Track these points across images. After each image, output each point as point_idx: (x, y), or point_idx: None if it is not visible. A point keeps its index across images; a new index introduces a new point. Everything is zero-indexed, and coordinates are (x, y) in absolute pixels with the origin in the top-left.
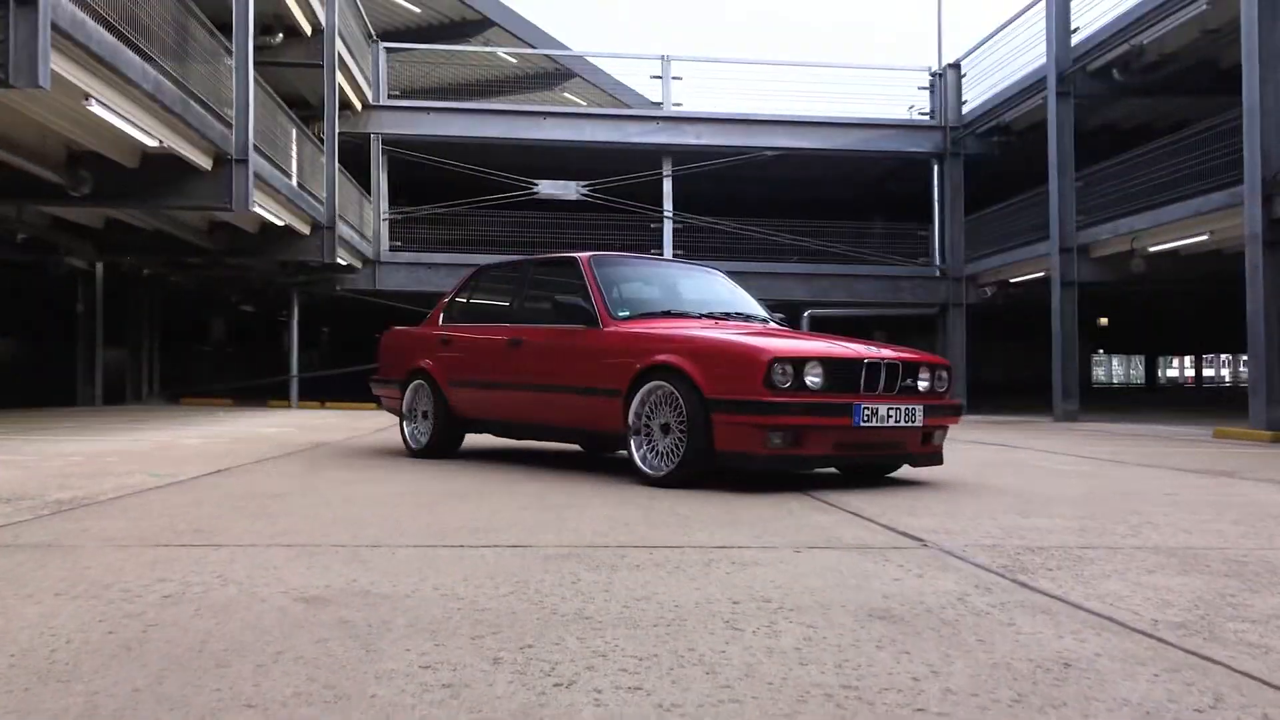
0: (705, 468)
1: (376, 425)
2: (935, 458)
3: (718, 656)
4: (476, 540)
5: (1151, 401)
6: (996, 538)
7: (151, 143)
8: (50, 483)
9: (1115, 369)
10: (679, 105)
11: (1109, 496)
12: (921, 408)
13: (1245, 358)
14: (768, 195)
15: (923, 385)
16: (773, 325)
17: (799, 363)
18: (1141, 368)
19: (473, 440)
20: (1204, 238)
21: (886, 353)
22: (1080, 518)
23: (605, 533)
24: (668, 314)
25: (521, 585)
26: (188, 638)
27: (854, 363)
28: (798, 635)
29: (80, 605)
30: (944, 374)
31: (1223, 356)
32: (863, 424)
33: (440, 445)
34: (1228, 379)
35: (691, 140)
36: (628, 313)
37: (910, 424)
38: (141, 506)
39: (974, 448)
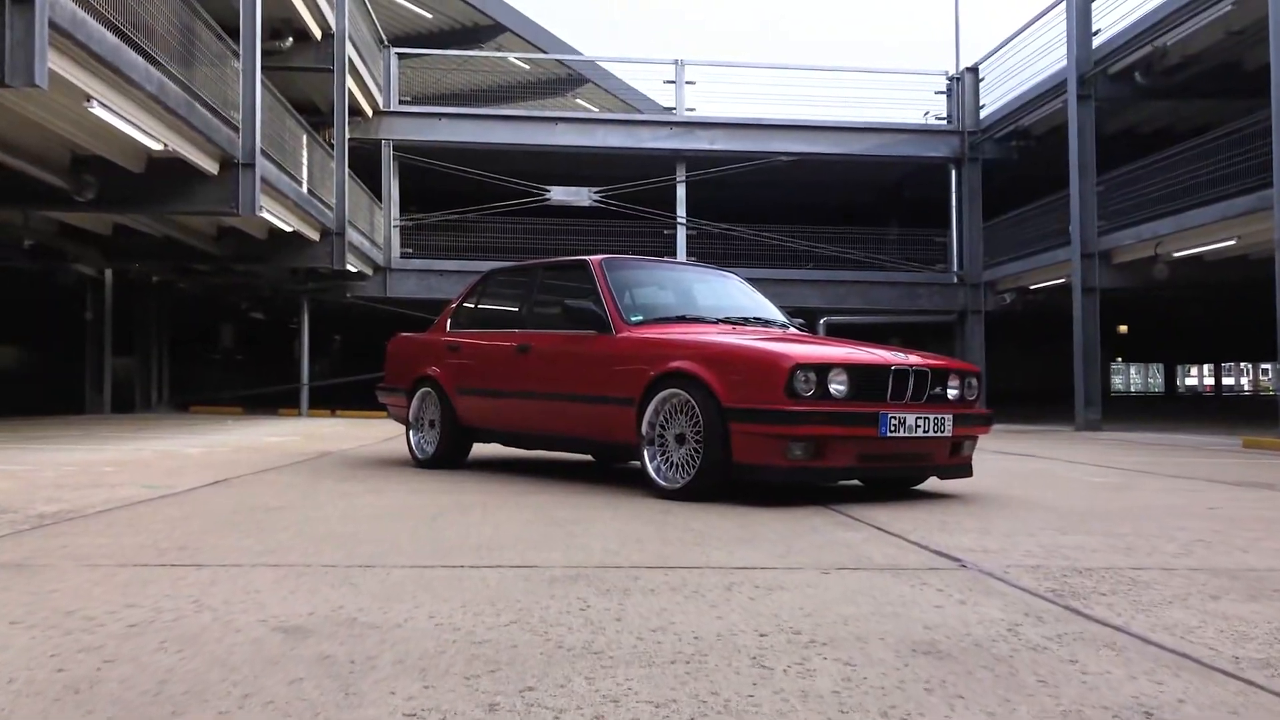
0: (722, 480)
1: (385, 434)
2: (964, 470)
3: (745, 703)
4: (478, 559)
5: (1172, 410)
6: (1039, 557)
7: (155, 146)
8: (39, 495)
9: (1133, 377)
10: (692, 110)
11: (1148, 511)
12: (951, 417)
13: (1267, 366)
14: (782, 201)
15: (952, 393)
16: (792, 331)
17: (822, 369)
18: (1159, 376)
19: (480, 450)
20: (1230, 242)
21: (914, 359)
22: (1123, 535)
23: (616, 551)
24: (682, 319)
25: (525, 613)
26: (145, 677)
27: (880, 369)
28: (835, 675)
29: (35, 636)
30: (974, 381)
31: (1242, 365)
32: (889, 434)
33: (447, 455)
34: (1247, 387)
35: (705, 145)
36: (641, 318)
37: (939, 434)
38: (127, 521)
39: (997, 458)
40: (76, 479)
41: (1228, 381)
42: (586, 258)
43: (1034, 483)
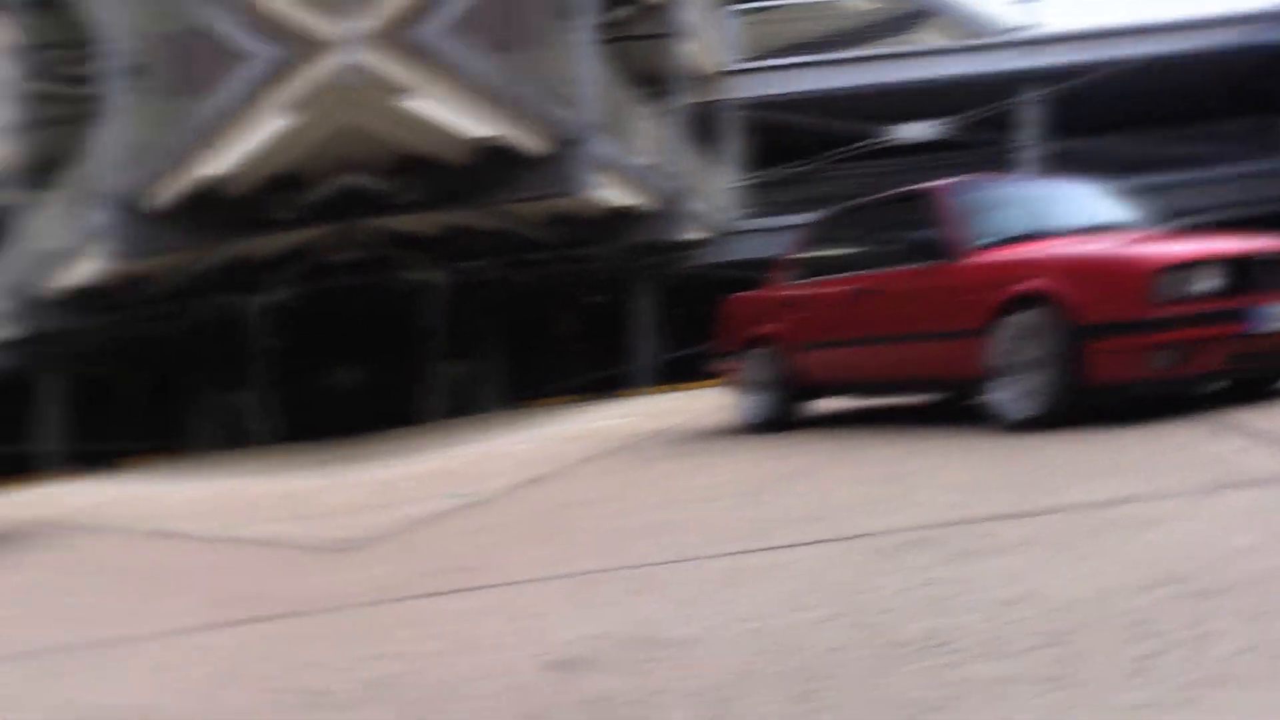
0: (1078, 404)
1: (720, 404)
2: None
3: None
4: (800, 535)
5: None
6: None
7: (482, 133)
8: (329, 522)
9: None
10: (1039, 26)
11: None
12: None
13: None
14: (1137, 108)
15: None
16: (1153, 231)
17: (1186, 267)
18: None
19: (814, 406)
20: None
21: None
22: None
23: (960, 504)
24: (1032, 236)
25: (850, 599)
26: None
27: (1254, 259)
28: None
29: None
30: None
31: None
32: (1262, 330)
33: (780, 416)
34: None
35: (1055, 60)
36: (986, 240)
37: None
38: (410, 543)
39: None
40: (375, 498)
41: None
42: (921, 185)
43: None
